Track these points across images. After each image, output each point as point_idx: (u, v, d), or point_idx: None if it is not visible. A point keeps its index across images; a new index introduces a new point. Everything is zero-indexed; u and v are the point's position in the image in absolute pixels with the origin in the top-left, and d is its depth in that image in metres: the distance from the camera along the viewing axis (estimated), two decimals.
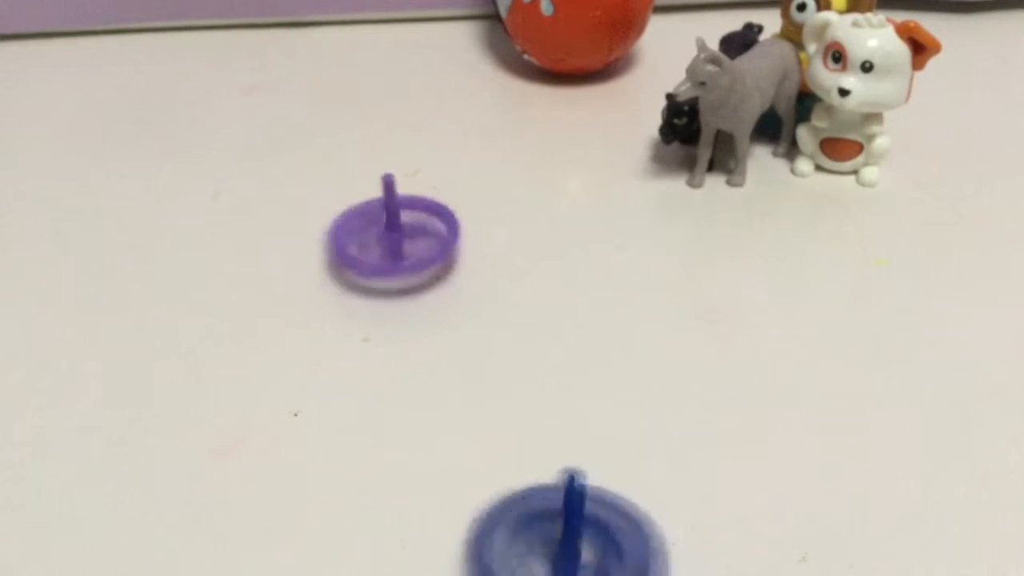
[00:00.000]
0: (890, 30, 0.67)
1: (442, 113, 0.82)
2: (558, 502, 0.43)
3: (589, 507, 0.43)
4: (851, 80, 0.67)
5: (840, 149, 0.72)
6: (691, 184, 0.72)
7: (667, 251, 0.67)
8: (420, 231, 0.65)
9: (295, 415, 0.53)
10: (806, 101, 0.73)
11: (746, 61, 0.70)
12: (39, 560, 0.46)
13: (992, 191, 0.72)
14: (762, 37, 0.77)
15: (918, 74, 0.68)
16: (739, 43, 0.76)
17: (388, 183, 0.62)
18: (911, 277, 0.63)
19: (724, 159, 0.73)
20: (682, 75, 0.66)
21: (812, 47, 0.70)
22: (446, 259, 0.63)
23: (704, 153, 0.71)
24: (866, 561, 0.46)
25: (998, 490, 0.49)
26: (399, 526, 0.47)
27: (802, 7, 0.72)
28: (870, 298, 0.62)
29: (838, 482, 0.50)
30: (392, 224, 0.64)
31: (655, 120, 0.73)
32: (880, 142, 0.71)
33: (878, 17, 0.67)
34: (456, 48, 0.92)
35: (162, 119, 0.81)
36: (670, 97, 0.68)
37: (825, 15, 0.69)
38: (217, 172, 0.74)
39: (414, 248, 0.64)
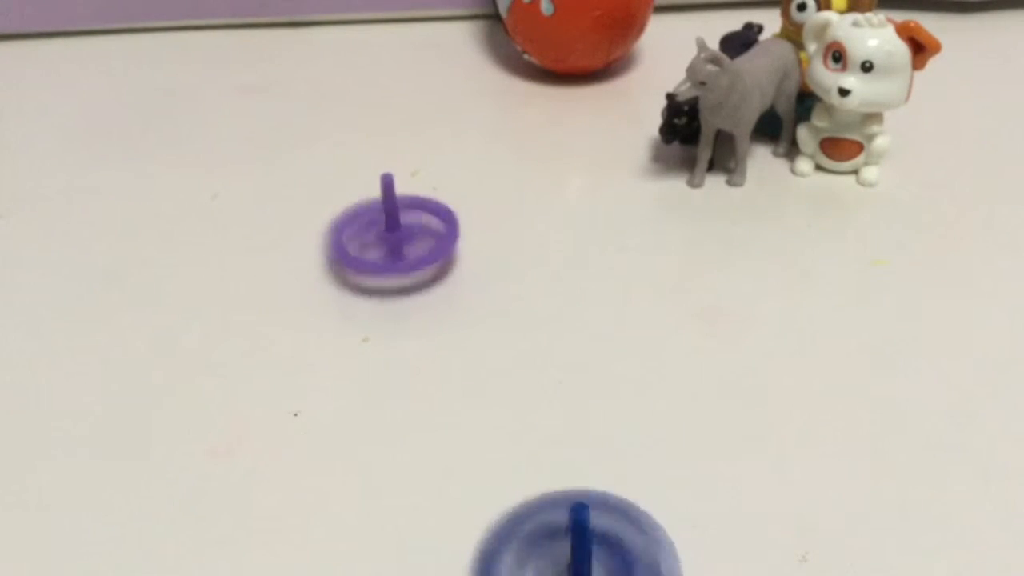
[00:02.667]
0: (890, 30, 0.67)
1: (442, 113, 0.82)
2: (564, 516, 0.43)
3: (599, 518, 0.43)
4: (851, 80, 0.66)
5: (840, 149, 0.72)
6: (691, 184, 0.72)
7: (667, 251, 0.67)
8: (420, 231, 0.65)
9: (295, 415, 0.53)
10: (806, 101, 0.73)
11: (746, 61, 0.70)
12: (39, 561, 0.46)
13: (992, 191, 0.72)
14: (762, 37, 0.77)
15: (918, 74, 0.68)
16: (739, 43, 0.76)
17: (387, 183, 0.62)
18: (911, 277, 0.63)
19: (724, 159, 0.73)
20: (682, 75, 0.66)
21: (812, 47, 0.70)
22: (446, 259, 0.63)
23: (704, 153, 0.71)
24: (866, 561, 0.46)
25: (998, 490, 0.49)
26: (400, 527, 0.47)
27: (802, 7, 0.72)
28: (870, 298, 0.62)
29: (838, 482, 0.50)
30: (392, 224, 0.64)
31: (655, 120, 0.73)
32: (880, 142, 0.71)
33: (878, 17, 0.67)
34: (456, 48, 0.92)
35: (162, 119, 0.81)
36: (670, 97, 0.67)
37: (825, 15, 0.69)
38: (217, 172, 0.74)
39: (414, 248, 0.64)
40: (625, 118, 0.81)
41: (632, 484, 0.48)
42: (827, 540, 0.47)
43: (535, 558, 0.44)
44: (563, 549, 0.43)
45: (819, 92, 0.69)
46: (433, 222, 0.65)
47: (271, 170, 0.74)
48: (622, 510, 0.45)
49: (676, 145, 0.74)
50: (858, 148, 0.71)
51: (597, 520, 0.43)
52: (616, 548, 0.44)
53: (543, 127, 0.81)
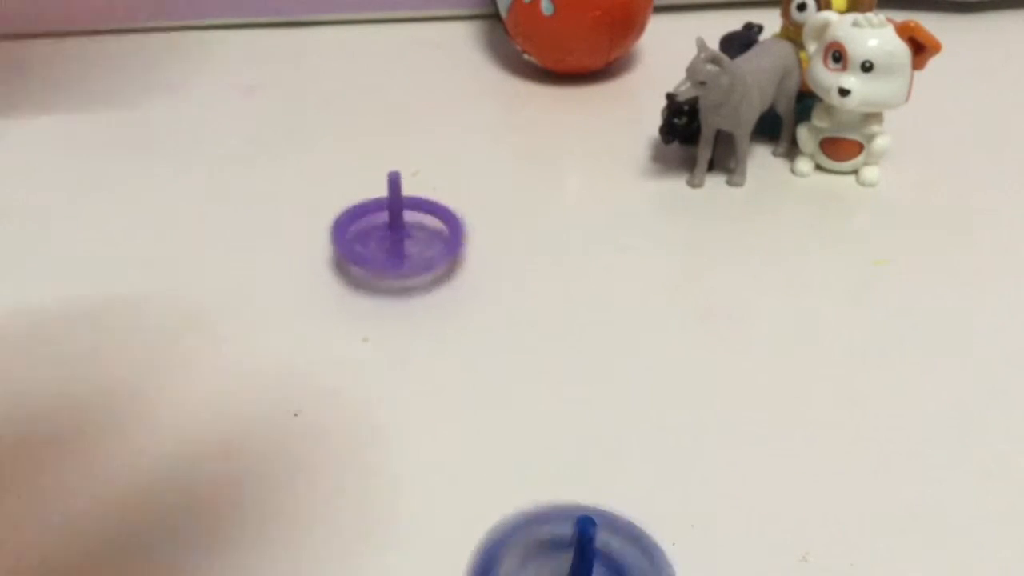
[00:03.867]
0: (890, 30, 0.67)
1: (442, 113, 0.82)
2: (565, 528, 0.42)
3: (603, 537, 0.42)
4: (851, 80, 0.67)
5: (840, 149, 0.72)
6: (691, 184, 0.72)
7: (667, 251, 0.67)
8: (422, 231, 0.65)
9: (295, 415, 0.53)
10: (806, 101, 0.73)
11: (746, 61, 0.70)
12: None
13: (992, 191, 0.72)
14: (762, 37, 0.77)
15: (918, 74, 0.68)
16: (739, 43, 0.76)
17: (393, 180, 0.62)
18: (911, 277, 0.63)
19: (724, 159, 0.73)
20: (682, 75, 0.66)
21: (812, 47, 0.70)
22: (447, 260, 0.63)
23: (704, 153, 0.71)
24: (866, 561, 0.46)
25: (999, 490, 0.49)
26: (399, 528, 0.47)
27: (802, 7, 0.72)
28: (870, 298, 0.62)
29: (838, 482, 0.50)
30: (395, 223, 0.63)
31: (655, 120, 0.73)
32: (880, 142, 0.71)
33: (878, 17, 0.67)
34: (456, 48, 0.92)
35: (162, 119, 0.81)
36: (670, 97, 0.67)
37: (825, 15, 0.69)
38: (217, 172, 0.74)
39: (415, 248, 0.64)
40: (625, 118, 0.80)
41: (632, 483, 0.48)
42: (827, 540, 0.47)
43: (535, 567, 0.43)
44: (562, 561, 0.43)
45: (819, 92, 0.69)
46: (435, 223, 0.65)
47: (271, 170, 0.74)
48: (627, 531, 0.44)
49: (676, 145, 0.74)
50: (858, 148, 0.71)
51: (599, 538, 0.43)
52: (616, 568, 0.43)
53: (543, 127, 0.81)
